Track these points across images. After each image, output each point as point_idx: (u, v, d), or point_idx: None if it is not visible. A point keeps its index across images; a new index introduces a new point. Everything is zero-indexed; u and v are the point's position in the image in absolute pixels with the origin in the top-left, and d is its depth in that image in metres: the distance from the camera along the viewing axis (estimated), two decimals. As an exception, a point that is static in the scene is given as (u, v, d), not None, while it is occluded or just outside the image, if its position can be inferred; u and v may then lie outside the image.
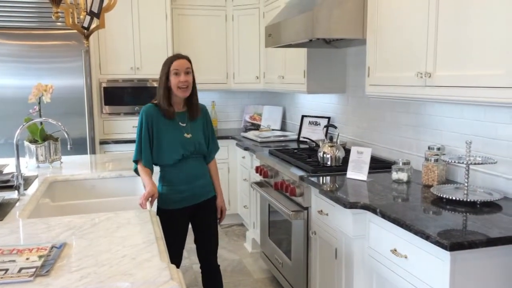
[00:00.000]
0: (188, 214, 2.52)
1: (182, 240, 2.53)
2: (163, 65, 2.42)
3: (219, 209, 2.65)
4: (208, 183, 2.58)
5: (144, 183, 2.38)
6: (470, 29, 1.89)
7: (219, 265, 2.68)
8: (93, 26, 2.91)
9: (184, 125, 2.46)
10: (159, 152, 2.43)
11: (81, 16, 2.93)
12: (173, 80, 2.37)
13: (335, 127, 3.31)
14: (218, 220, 2.67)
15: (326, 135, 3.61)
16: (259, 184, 3.49)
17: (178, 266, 2.52)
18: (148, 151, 2.42)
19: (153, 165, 2.47)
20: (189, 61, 2.45)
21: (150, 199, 2.26)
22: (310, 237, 2.66)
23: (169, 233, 2.42)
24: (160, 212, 2.45)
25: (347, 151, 2.81)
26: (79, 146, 4.03)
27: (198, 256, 2.64)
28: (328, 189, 2.40)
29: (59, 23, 4.06)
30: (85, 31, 2.91)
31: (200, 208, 2.54)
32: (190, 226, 2.60)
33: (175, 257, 2.49)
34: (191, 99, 2.47)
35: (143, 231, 1.62)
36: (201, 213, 2.56)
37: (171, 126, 2.43)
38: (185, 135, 2.43)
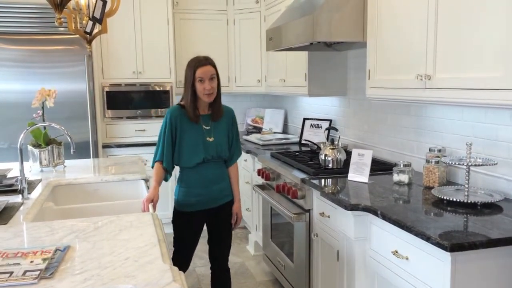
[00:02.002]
0: (204, 217, 2.55)
1: (194, 242, 2.56)
2: (187, 68, 2.41)
3: (234, 215, 2.64)
4: (226, 187, 2.58)
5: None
6: (469, 31, 1.90)
7: (229, 268, 2.70)
8: (95, 31, 2.94)
9: (208, 128, 2.47)
10: (181, 154, 2.45)
11: (84, 21, 2.96)
12: (199, 86, 2.38)
13: (337, 130, 3.32)
14: (232, 225, 2.67)
15: (327, 138, 3.62)
16: (261, 187, 3.50)
17: (186, 268, 2.59)
18: (169, 153, 2.44)
19: (174, 166, 2.51)
20: (213, 65, 2.44)
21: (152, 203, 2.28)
22: (312, 239, 2.67)
23: (183, 234, 2.53)
24: (176, 213, 2.53)
25: (349, 154, 2.82)
26: (82, 150, 4.06)
27: (209, 257, 2.68)
28: (330, 191, 2.41)
29: (61, 28, 4.09)
30: (88, 36, 2.94)
31: (216, 211, 2.55)
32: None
33: (185, 259, 2.56)
34: (215, 101, 2.48)
35: (145, 234, 1.64)
36: (217, 217, 2.58)
37: (194, 128, 2.44)
38: (208, 138, 2.45)
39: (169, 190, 4.51)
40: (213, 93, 2.42)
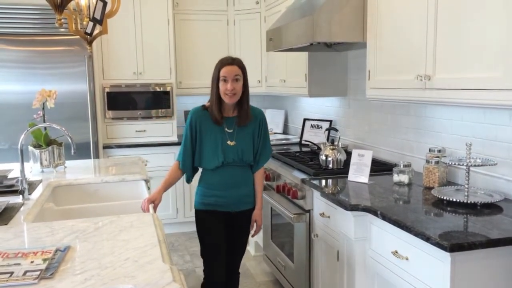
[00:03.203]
0: (223, 220, 2.45)
1: (220, 242, 2.43)
2: (215, 68, 2.35)
3: (253, 221, 2.53)
4: (248, 194, 2.48)
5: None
6: (468, 32, 1.91)
7: (239, 273, 2.66)
8: (96, 32, 2.94)
9: (231, 131, 2.38)
10: (201, 156, 2.40)
11: (84, 22, 2.96)
12: (221, 86, 2.31)
13: (337, 130, 3.32)
14: (250, 234, 2.58)
15: (327, 138, 3.62)
16: (262, 187, 3.50)
17: (222, 278, 2.45)
18: (188, 156, 2.40)
19: (195, 168, 2.47)
20: (240, 66, 2.34)
21: (153, 204, 2.27)
22: (312, 240, 2.67)
23: (206, 233, 2.44)
24: (196, 213, 2.48)
25: (349, 154, 2.82)
26: (82, 151, 4.06)
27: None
28: (330, 191, 2.41)
29: (62, 29, 4.09)
30: (88, 37, 2.95)
31: (234, 217, 2.46)
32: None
33: (216, 268, 2.43)
34: (242, 104, 2.38)
35: (146, 234, 1.64)
36: (235, 223, 2.48)
37: (215, 131, 2.37)
38: (228, 142, 2.36)
39: (169, 190, 4.51)
40: (236, 95, 2.32)
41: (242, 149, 2.37)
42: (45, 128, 2.91)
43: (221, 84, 2.31)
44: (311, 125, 4.17)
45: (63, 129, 2.32)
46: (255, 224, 2.54)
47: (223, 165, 2.36)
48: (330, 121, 3.91)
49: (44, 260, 1.37)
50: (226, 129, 2.37)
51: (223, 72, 2.30)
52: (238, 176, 2.42)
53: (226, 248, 2.46)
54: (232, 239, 2.51)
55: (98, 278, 1.26)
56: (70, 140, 2.33)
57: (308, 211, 2.72)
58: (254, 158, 2.46)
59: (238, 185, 2.42)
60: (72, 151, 2.34)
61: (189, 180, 2.50)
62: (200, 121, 2.37)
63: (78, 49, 4.16)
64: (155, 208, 2.25)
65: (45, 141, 2.90)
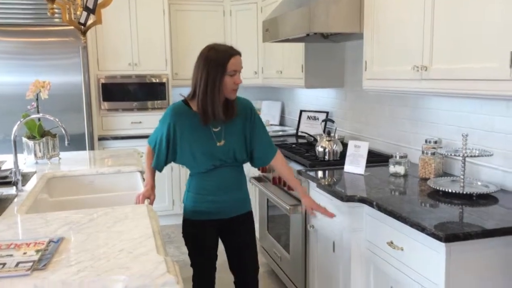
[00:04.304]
0: (216, 229, 2.19)
1: (211, 257, 2.20)
2: (213, 64, 1.96)
3: (309, 210, 2.25)
4: (243, 197, 2.21)
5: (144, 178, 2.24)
6: (465, 22, 1.89)
7: (257, 274, 2.31)
8: (89, 22, 2.91)
9: (217, 129, 2.06)
10: (185, 159, 2.09)
11: (78, 12, 2.92)
12: (228, 81, 1.98)
13: (333, 122, 3.31)
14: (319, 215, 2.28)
15: (324, 130, 3.62)
16: (258, 179, 3.49)
17: (213, 284, 2.26)
18: (161, 158, 2.11)
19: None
20: None
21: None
22: (308, 231, 2.67)
23: (195, 249, 2.18)
24: (184, 223, 2.19)
25: (345, 145, 2.82)
26: (77, 143, 4.04)
27: (234, 284, 2.30)
28: (326, 183, 2.40)
29: (56, 20, 4.05)
30: (82, 27, 2.91)
31: (231, 223, 2.19)
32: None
33: (207, 280, 2.22)
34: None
35: (140, 226, 1.63)
36: (233, 231, 2.21)
37: (201, 132, 2.04)
38: (217, 143, 2.05)
39: (165, 181, 4.51)
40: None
41: (234, 148, 2.08)
42: (39, 119, 2.89)
43: (228, 79, 1.98)
44: (308, 116, 4.16)
45: (57, 120, 2.30)
46: (315, 211, 2.23)
47: (214, 168, 2.08)
48: (327, 113, 3.90)
49: (37, 251, 1.35)
50: (212, 128, 2.06)
51: (232, 64, 1.98)
52: (231, 178, 2.14)
53: (215, 264, 2.24)
54: (235, 250, 2.25)
55: (91, 270, 1.25)
56: (64, 131, 2.31)
57: (304, 202, 2.71)
58: (257, 151, 2.17)
59: (232, 188, 2.15)
60: (66, 142, 2.32)
61: (160, 170, 2.20)
62: (181, 122, 2.04)
63: (73, 40, 4.11)
64: (152, 203, 2.16)
65: (39, 132, 2.88)
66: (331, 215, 2.16)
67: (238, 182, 2.18)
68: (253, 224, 2.27)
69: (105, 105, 4.46)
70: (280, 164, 2.25)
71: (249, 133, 2.14)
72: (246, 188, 2.24)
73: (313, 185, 2.58)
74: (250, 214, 2.26)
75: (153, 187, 2.21)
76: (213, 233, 2.19)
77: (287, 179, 2.26)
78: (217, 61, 1.97)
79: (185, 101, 2.10)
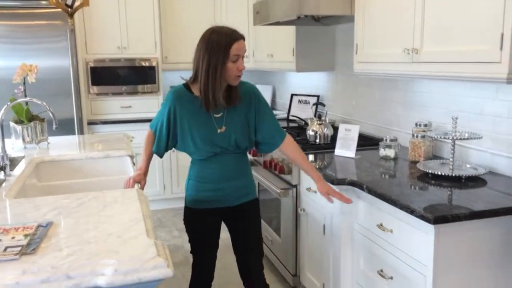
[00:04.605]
0: (219, 218, 2.13)
1: (211, 247, 2.15)
2: (215, 48, 1.86)
3: (325, 195, 2.07)
4: (248, 184, 2.12)
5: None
6: (456, 5, 1.88)
7: (268, 285, 2.23)
8: (77, 4, 2.86)
9: (219, 115, 1.98)
10: (185, 146, 2.02)
11: (65, -6, 2.87)
12: (231, 67, 1.88)
13: (324, 105, 3.31)
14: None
15: (315, 113, 3.61)
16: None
17: (211, 281, 2.20)
18: (162, 144, 2.04)
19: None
20: None
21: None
22: (299, 214, 2.69)
23: (195, 237, 2.13)
24: (186, 211, 2.13)
25: (336, 129, 2.82)
26: (66, 127, 3.99)
27: (240, 272, 2.21)
28: (317, 166, 2.41)
29: (43, 2, 3.97)
30: (69, 9, 2.86)
31: (234, 213, 2.11)
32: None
33: (207, 268, 2.16)
34: None
35: (130, 210, 1.62)
36: (237, 219, 2.13)
37: (202, 117, 1.97)
38: (218, 130, 1.97)
39: (156, 165, 4.49)
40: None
41: (235, 135, 1.99)
42: (27, 103, 2.85)
43: (230, 64, 1.88)
44: (299, 100, 4.15)
45: (44, 103, 2.26)
46: (331, 197, 2.07)
47: (214, 155, 2.01)
48: (318, 96, 3.89)
49: (26, 236, 1.34)
50: (214, 114, 1.98)
51: (236, 49, 1.87)
52: (233, 165, 2.05)
53: (217, 247, 2.19)
54: (241, 240, 2.18)
55: (80, 254, 1.24)
56: (51, 115, 2.28)
57: (295, 186, 2.72)
58: (263, 137, 2.07)
59: (235, 176, 2.06)
60: (54, 126, 2.29)
61: (161, 156, 2.14)
62: (182, 106, 1.97)
63: (61, 23, 4.04)
64: (142, 188, 2.10)
65: (26, 117, 2.84)
66: (348, 201, 2.05)
67: (241, 169, 2.09)
68: (258, 212, 2.19)
69: (94, 89, 4.41)
70: (292, 150, 2.11)
71: (253, 119, 2.04)
72: (250, 176, 2.15)
73: (304, 168, 2.58)
74: (255, 201, 2.16)
75: (145, 172, 2.14)
76: (215, 222, 2.12)
77: (300, 165, 2.14)
78: (219, 45, 1.86)
79: (186, 85, 2.01)
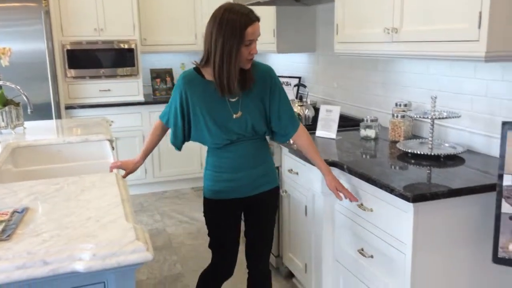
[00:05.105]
0: (239, 208, 2.02)
1: (231, 242, 2.05)
2: (229, 32, 1.74)
3: (334, 190, 1.97)
4: (266, 173, 1.99)
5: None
6: (436, -18, 1.87)
7: (270, 271, 2.19)
8: (50, -17, 2.76)
9: (235, 99, 1.86)
10: (199, 134, 1.90)
11: (36, -27, 2.77)
12: (244, 51, 1.77)
13: (305, 87, 3.30)
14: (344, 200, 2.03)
15: (296, 95, 3.60)
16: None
17: (230, 273, 2.11)
18: (179, 130, 1.92)
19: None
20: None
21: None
22: (281, 196, 2.69)
23: (214, 230, 2.04)
24: (204, 202, 2.02)
25: (317, 110, 2.81)
26: (43, 112, 3.91)
27: (246, 258, 2.14)
28: (298, 148, 2.40)
29: (15, -18, 3.83)
30: (42, -11, 2.76)
31: (253, 202, 2.00)
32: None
33: (225, 266, 2.08)
34: None
35: (108, 194, 1.59)
36: (254, 208, 2.03)
37: (216, 103, 1.85)
38: (233, 115, 1.85)
39: (137, 149, 4.44)
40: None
41: (252, 120, 1.87)
42: (0, 87, 2.77)
43: (244, 49, 1.76)
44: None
45: (18, 87, 2.20)
46: (338, 192, 1.97)
47: (230, 143, 1.90)
48: (299, 78, 3.87)
49: (0, 222, 1.31)
50: (229, 98, 1.85)
51: (251, 33, 1.77)
52: (251, 153, 1.93)
53: (238, 243, 2.08)
54: (254, 226, 2.07)
55: (58, 239, 1.22)
56: (26, 99, 2.22)
57: (277, 167, 2.71)
58: (275, 126, 1.95)
59: (253, 164, 1.94)
60: (29, 110, 2.23)
61: (179, 149, 2.02)
62: (193, 91, 1.85)
63: (35, 5, 3.91)
64: (124, 176, 2.03)
65: (1, 101, 2.76)
66: (355, 199, 1.96)
67: (259, 157, 1.96)
68: (275, 201, 2.09)
69: (71, 72, 4.30)
70: (305, 143, 1.99)
71: (268, 104, 1.91)
72: (270, 162, 2.02)
73: (285, 150, 2.58)
74: (275, 190, 2.04)
75: (136, 163, 2.05)
76: (233, 213, 2.01)
77: (311, 157, 2.01)
78: (233, 28, 1.74)
79: (197, 69, 1.89)
